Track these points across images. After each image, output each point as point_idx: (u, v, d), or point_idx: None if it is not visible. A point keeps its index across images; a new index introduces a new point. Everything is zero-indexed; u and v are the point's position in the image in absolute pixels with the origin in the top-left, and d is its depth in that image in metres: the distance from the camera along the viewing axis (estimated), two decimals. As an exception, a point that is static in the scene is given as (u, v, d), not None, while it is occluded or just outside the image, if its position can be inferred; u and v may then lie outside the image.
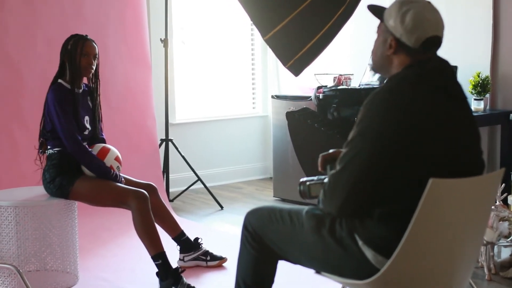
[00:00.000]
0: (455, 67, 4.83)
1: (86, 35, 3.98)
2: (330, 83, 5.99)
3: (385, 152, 2.24)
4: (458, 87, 2.39)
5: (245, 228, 2.70)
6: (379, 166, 2.26)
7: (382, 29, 2.47)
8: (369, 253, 2.34)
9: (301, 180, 2.64)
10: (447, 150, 2.27)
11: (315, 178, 2.61)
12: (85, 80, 4.08)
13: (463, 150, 2.33)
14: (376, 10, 2.52)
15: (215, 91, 7.21)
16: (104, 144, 4.04)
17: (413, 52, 2.37)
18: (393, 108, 2.25)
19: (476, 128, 2.42)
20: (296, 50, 4.44)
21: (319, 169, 2.64)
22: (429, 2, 2.40)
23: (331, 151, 2.65)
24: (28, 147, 4.82)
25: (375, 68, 2.57)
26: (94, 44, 3.96)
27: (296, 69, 4.53)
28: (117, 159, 3.99)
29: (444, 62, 2.40)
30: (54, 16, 5.68)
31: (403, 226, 2.21)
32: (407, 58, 2.39)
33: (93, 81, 4.07)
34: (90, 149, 3.91)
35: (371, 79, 5.92)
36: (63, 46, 3.97)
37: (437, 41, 2.38)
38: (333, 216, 2.42)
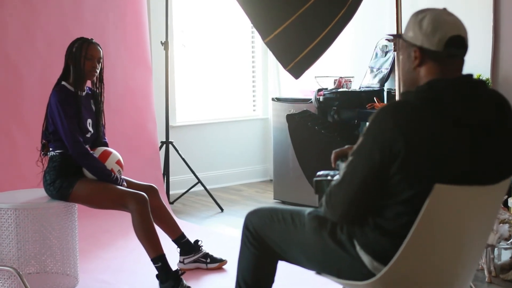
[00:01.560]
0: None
1: (92, 39, 3.99)
2: (330, 85, 5.99)
3: (377, 173, 2.23)
4: (476, 113, 2.26)
5: (246, 228, 2.70)
6: (373, 184, 2.26)
7: (404, 46, 2.39)
8: (366, 258, 2.34)
9: (317, 173, 2.65)
10: (444, 174, 2.20)
11: (330, 172, 2.62)
12: (88, 83, 4.09)
13: (466, 172, 2.24)
14: (397, 36, 2.49)
15: (216, 93, 7.21)
16: (106, 148, 4.04)
17: (439, 58, 2.29)
18: (387, 131, 2.20)
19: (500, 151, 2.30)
20: (297, 52, 4.44)
21: (332, 165, 2.65)
22: (444, 8, 2.34)
23: (344, 147, 2.65)
24: (27, 148, 4.83)
25: (405, 88, 2.43)
26: (99, 47, 3.97)
27: (297, 71, 4.52)
28: (118, 162, 3.99)
29: (463, 84, 2.28)
30: (53, 17, 5.68)
31: (398, 235, 2.22)
32: (434, 66, 2.30)
33: (98, 85, 4.08)
34: (91, 152, 3.92)
35: (372, 81, 5.93)
36: (68, 49, 3.98)
37: (461, 41, 2.30)
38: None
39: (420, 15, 2.32)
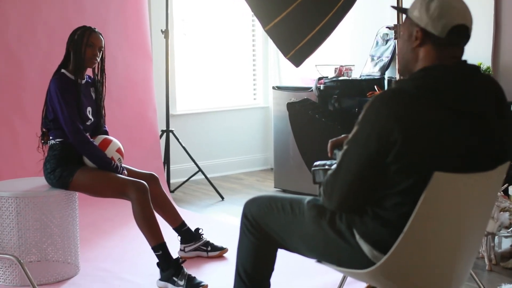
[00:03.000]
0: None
1: (94, 28, 3.99)
2: (331, 74, 5.99)
3: (373, 162, 2.23)
4: (472, 100, 2.26)
5: (245, 216, 2.70)
6: (370, 173, 2.25)
7: (407, 24, 2.36)
8: (365, 247, 2.34)
9: (314, 163, 2.64)
10: (442, 162, 2.19)
11: (327, 162, 2.62)
12: (89, 71, 4.08)
13: (464, 159, 2.24)
14: (401, 9, 2.46)
15: (216, 82, 7.20)
16: (106, 136, 4.04)
17: (439, 44, 2.27)
18: (383, 119, 2.19)
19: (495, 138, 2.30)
20: (297, 40, 4.43)
21: (329, 154, 2.64)
22: None
23: (340, 136, 2.64)
24: (28, 138, 4.83)
25: (400, 68, 2.43)
26: (101, 36, 3.97)
27: (297, 60, 4.52)
28: (118, 150, 3.99)
29: (458, 71, 2.28)
30: (54, 7, 5.67)
31: (398, 225, 2.22)
32: (433, 50, 2.29)
33: (99, 75, 4.08)
34: (92, 140, 3.92)
35: (372, 70, 5.92)
36: (70, 36, 3.98)
37: (465, 31, 2.29)
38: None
39: None
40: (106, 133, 4.14)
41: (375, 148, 2.21)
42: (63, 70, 3.94)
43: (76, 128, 3.83)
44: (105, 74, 4.10)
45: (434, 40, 2.28)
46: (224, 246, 4.36)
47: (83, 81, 3.99)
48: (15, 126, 5.48)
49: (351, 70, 5.99)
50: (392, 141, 2.17)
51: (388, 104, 2.21)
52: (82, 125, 3.89)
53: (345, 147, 2.32)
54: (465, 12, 2.29)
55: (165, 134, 6.17)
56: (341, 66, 5.97)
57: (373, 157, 2.22)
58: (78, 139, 3.85)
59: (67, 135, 3.87)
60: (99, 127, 4.09)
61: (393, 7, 2.54)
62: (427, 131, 2.18)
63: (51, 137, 3.94)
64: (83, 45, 3.91)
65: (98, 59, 3.98)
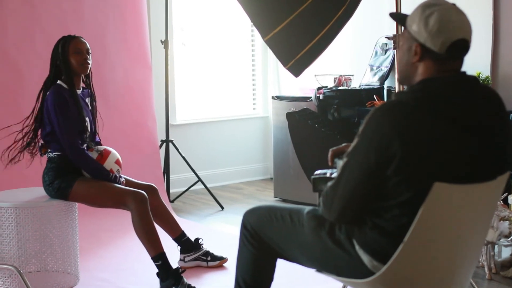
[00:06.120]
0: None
1: (74, 34, 3.99)
2: (330, 83, 6.00)
3: (373, 174, 2.23)
4: (471, 111, 2.26)
5: (244, 226, 2.71)
6: (369, 185, 2.25)
7: (406, 36, 2.34)
8: (365, 258, 2.35)
9: (315, 172, 2.65)
10: (442, 174, 2.18)
11: (328, 171, 2.62)
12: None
13: (464, 170, 2.23)
14: (399, 18, 2.45)
15: (216, 92, 7.21)
16: (104, 147, 4.02)
17: (439, 58, 2.26)
18: (383, 131, 2.19)
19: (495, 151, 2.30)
20: (296, 51, 4.44)
21: (329, 163, 2.64)
22: (454, 4, 2.29)
23: (341, 145, 2.64)
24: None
25: (400, 78, 2.43)
26: (83, 40, 3.96)
27: (296, 70, 4.52)
28: (117, 162, 3.98)
29: (457, 83, 2.28)
30: (53, 17, 5.68)
31: (397, 235, 2.22)
32: (433, 65, 2.28)
33: (86, 80, 4.06)
34: (89, 152, 3.90)
35: (371, 79, 5.93)
36: (54, 50, 3.95)
37: (464, 45, 2.27)
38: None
39: (428, 10, 2.26)
40: (99, 143, 4.11)
41: (375, 160, 2.21)
42: (59, 82, 3.92)
43: (73, 144, 3.81)
44: (91, 80, 4.09)
45: (433, 56, 2.27)
46: (224, 256, 4.35)
47: (79, 91, 3.97)
48: (14, 135, 5.46)
49: (350, 80, 6.00)
50: (392, 154, 2.17)
51: (387, 115, 2.21)
52: (81, 137, 3.88)
53: (345, 159, 2.32)
54: (464, 25, 2.27)
55: (164, 144, 6.17)
56: (340, 76, 5.98)
57: (373, 169, 2.22)
58: (76, 155, 3.82)
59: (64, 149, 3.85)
60: (94, 138, 4.07)
61: (392, 16, 2.53)
62: (427, 143, 2.18)
63: (49, 150, 3.93)
64: (70, 54, 3.90)
65: (90, 62, 3.96)
